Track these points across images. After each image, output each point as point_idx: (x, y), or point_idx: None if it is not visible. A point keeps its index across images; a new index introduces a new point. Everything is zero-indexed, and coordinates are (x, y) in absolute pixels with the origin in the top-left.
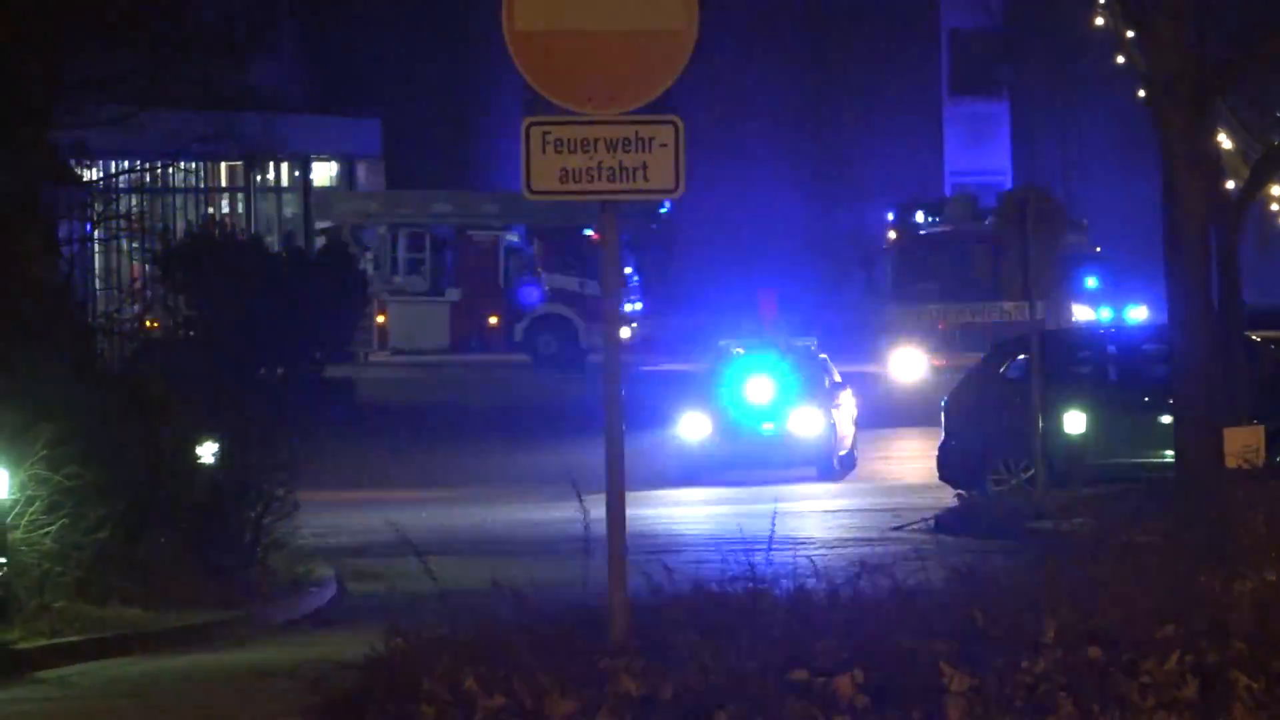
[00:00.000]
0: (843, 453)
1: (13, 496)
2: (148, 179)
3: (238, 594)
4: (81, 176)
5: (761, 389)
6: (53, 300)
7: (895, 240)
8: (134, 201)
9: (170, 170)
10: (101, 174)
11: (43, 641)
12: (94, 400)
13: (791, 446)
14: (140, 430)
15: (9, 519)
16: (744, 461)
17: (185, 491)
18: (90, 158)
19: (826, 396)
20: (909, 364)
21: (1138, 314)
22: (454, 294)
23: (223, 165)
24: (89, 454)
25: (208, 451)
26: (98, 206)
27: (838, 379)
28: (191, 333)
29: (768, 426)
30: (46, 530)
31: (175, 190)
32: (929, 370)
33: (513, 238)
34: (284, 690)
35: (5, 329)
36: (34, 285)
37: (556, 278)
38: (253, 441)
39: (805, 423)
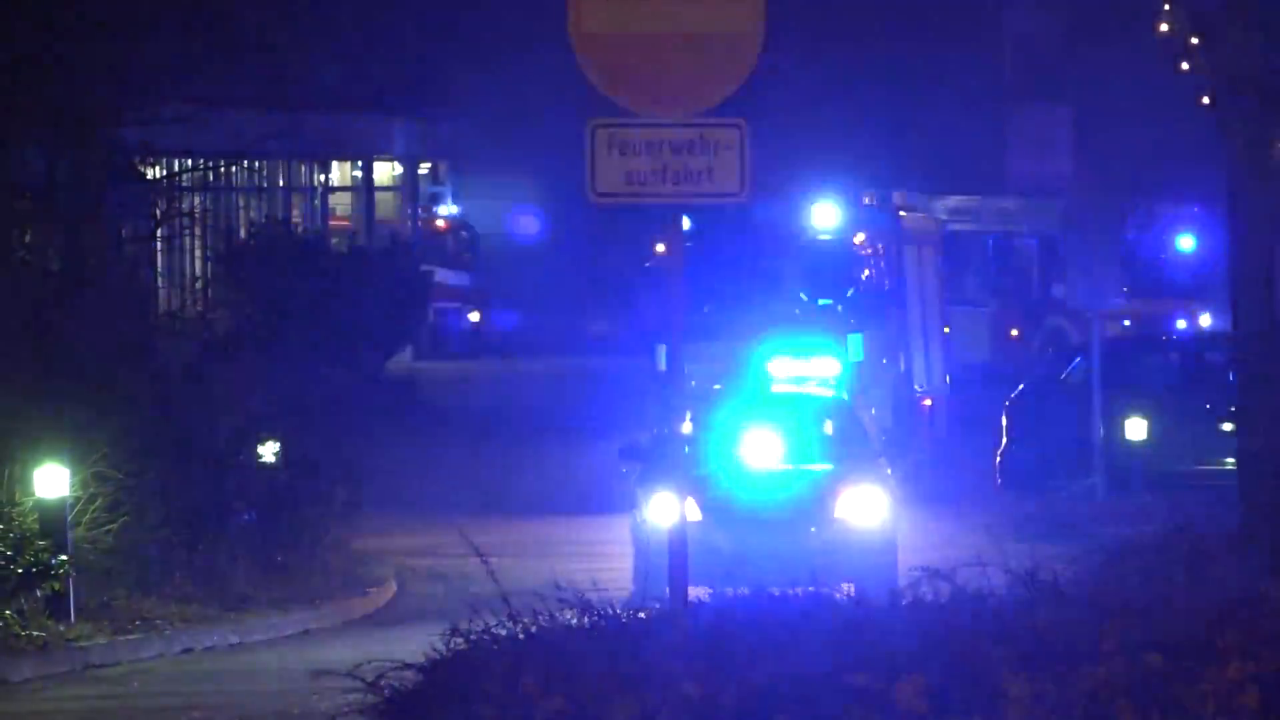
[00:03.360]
0: None
1: (74, 494)
2: (211, 177)
3: (297, 593)
4: (146, 175)
5: (785, 450)
6: (116, 298)
7: None
8: (197, 200)
9: (234, 169)
10: (165, 172)
11: (103, 639)
12: (156, 398)
13: (839, 549)
14: (202, 429)
15: (71, 516)
16: (755, 574)
17: (246, 490)
18: (155, 156)
19: (880, 463)
20: None
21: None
22: (992, 303)
23: (286, 164)
24: (150, 452)
25: (269, 451)
26: (161, 204)
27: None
28: (253, 330)
29: (797, 514)
30: (108, 528)
31: (238, 189)
32: None
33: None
34: (344, 689)
35: (70, 327)
36: (98, 283)
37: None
38: (314, 441)
39: (861, 507)
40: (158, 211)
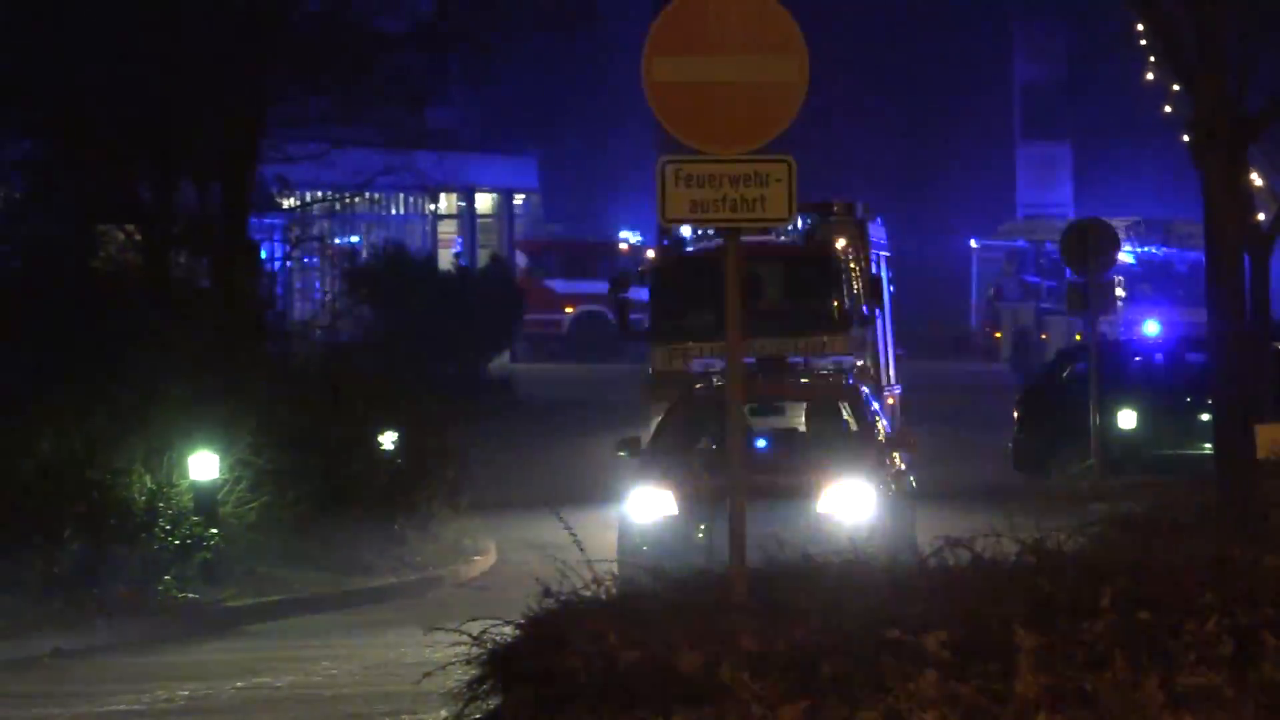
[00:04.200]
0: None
1: (223, 477)
2: (337, 207)
3: (413, 561)
4: (281, 205)
5: (770, 442)
6: (256, 311)
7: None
8: (325, 226)
9: (356, 200)
10: (298, 202)
11: (249, 600)
12: (292, 395)
13: (822, 543)
14: (331, 421)
15: (219, 496)
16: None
17: (369, 473)
18: (289, 189)
19: (879, 457)
20: None
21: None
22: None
23: (401, 195)
24: (287, 441)
25: (388, 439)
26: (295, 230)
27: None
28: (374, 337)
29: (781, 508)
30: (251, 505)
31: (361, 217)
32: None
33: None
34: (453, 643)
35: (216, 338)
36: (240, 299)
37: None
38: (427, 431)
39: (846, 502)
40: (292, 237)
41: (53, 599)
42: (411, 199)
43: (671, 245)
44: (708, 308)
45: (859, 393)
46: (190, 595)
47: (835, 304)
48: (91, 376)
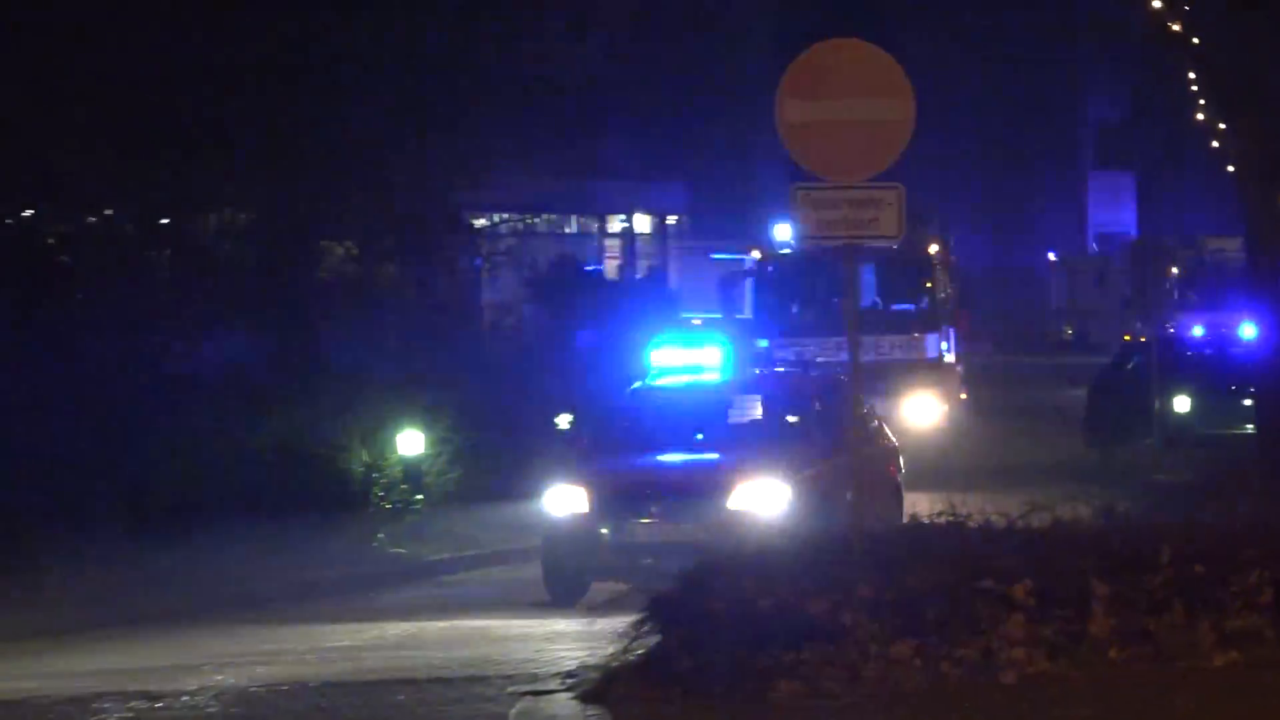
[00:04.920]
0: None
1: (427, 452)
2: (520, 227)
3: None
4: (473, 225)
5: (685, 435)
6: (453, 314)
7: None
8: (511, 243)
9: (537, 219)
10: (489, 221)
11: (447, 555)
12: (484, 383)
13: (737, 541)
14: (517, 405)
15: (424, 468)
16: (638, 569)
17: (547, 448)
18: (480, 212)
19: (808, 453)
20: None
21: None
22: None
23: (574, 216)
24: (481, 423)
25: (564, 420)
26: (486, 246)
27: (873, 422)
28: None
29: (681, 507)
30: (450, 476)
31: (539, 234)
32: None
33: None
34: (621, 586)
35: (421, 335)
36: (440, 304)
37: None
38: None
39: (757, 500)
40: (483, 251)
41: (284, 551)
42: (583, 219)
43: (773, 246)
44: (807, 304)
45: (828, 389)
46: (399, 550)
47: (927, 304)
48: (316, 368)
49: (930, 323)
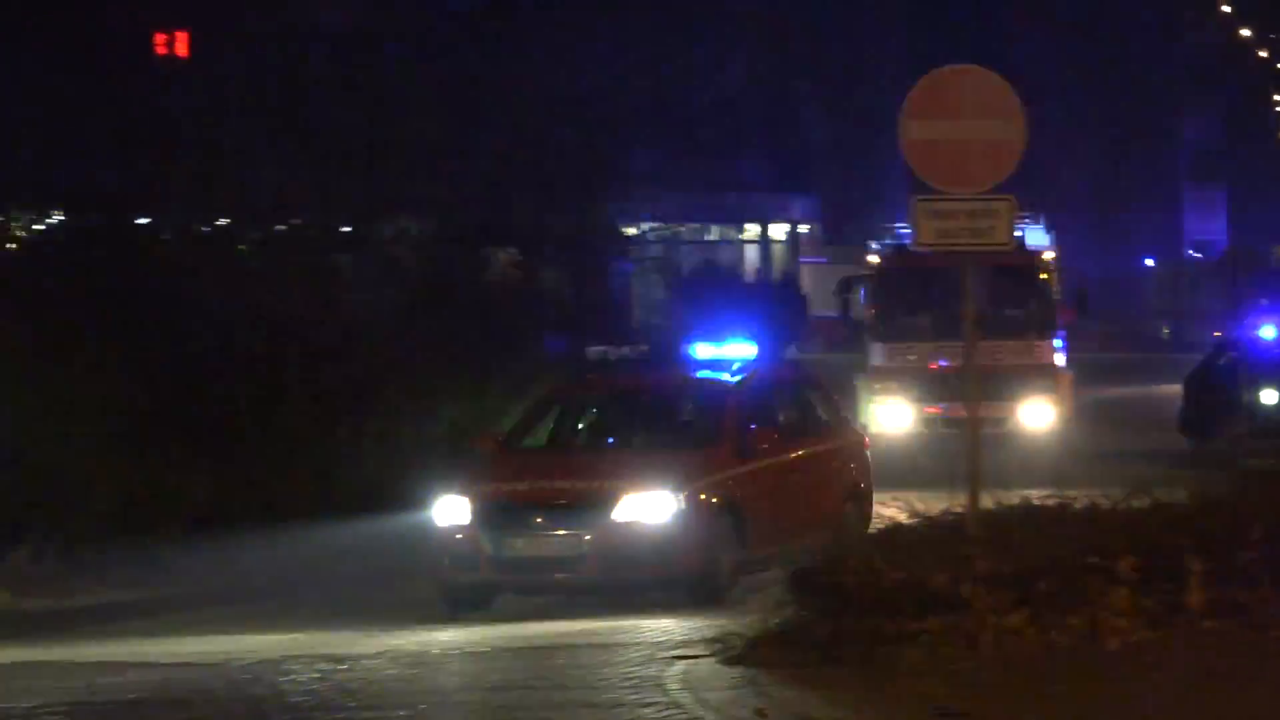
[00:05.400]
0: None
1: None
2: (668, 235)
3: None
4: (624, 233)
5: (593, 443)
6: (606, 313)
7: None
8: (660, 249)
9: (682, 229)
10: (637, 231)
11: None
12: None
13: (614, 552)
14: None
15: None
16: (523, 583)
17: None
18: (630, 222)
19: (712, 461)
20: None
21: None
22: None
23: (715, 226)
24: None
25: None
26: (635, 252)
27: (825, 422)
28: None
29: (564, 520)
30: None
31: (683, 242)
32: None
33: None
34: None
35: (577, 332)
36: (594, 304)
37: None
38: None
39: (642, 511)
40: (632, 257)
41: None
42: (723, 228)
43: (892, 251)
44: (924, 309)
45: (753, 394)
46: None
47: (1041, 309)
48: (484, 361)
49: (1044, 327)
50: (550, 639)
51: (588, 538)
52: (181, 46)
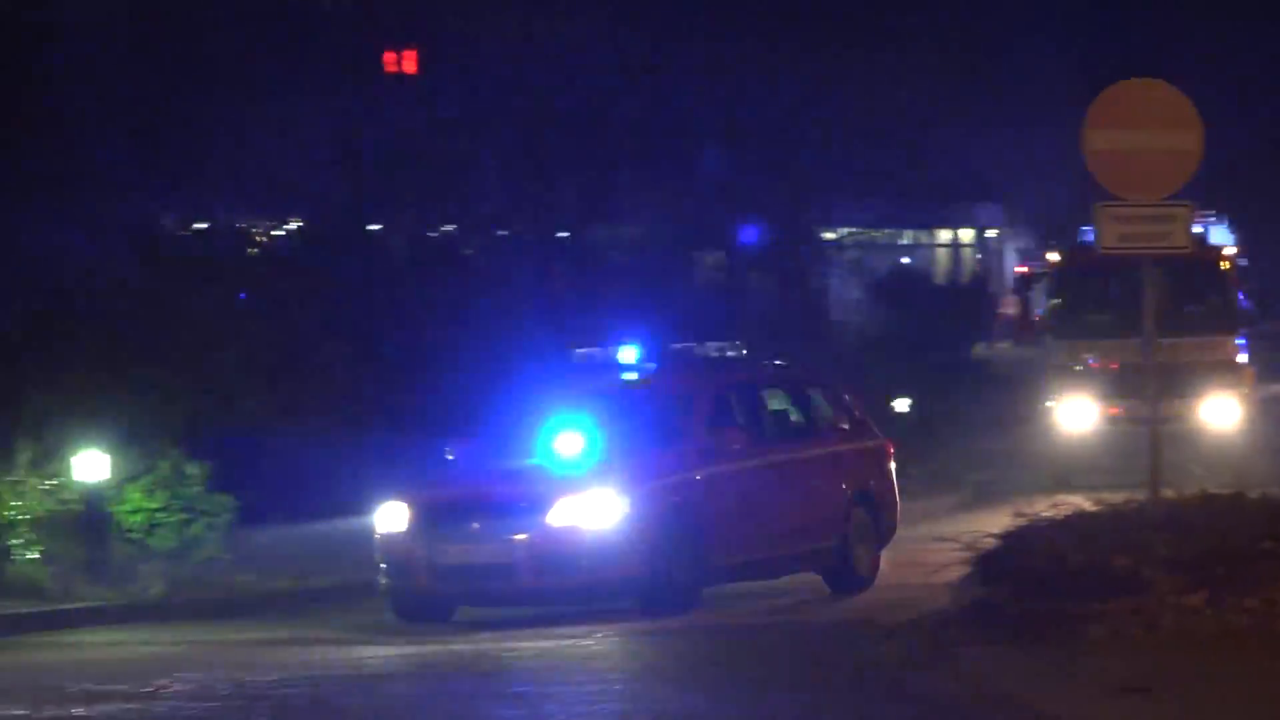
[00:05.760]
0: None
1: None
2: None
3: (924, 490)
4: (823, 238)
5: (523, 448)
6: (808, 313)
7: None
8: (857, 253)
9: (877, 235)
10: (837, 237)
11: None
12: (822, 365)
13: (550, 557)
14: (857, 388)
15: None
16: (462, 592)
17: (890, 428)
18: (830, 228)
19: (667, 462)
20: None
21: None
22: None
23: (909, 231)
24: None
25: (903, 403)
26: (834, 256)
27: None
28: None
29: (499, 525)
30: None
31: (879, 246)
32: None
33: None
34: (950, 548)
35: (785, 332)
36: (796, 303)
37: None
38: (930, 397)
39: (582, 514)
40: (834, 258)
41: None
42: (915, 233)
43: (1073, 248)
44: (1105, 306)
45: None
46: None
47: (1225, 304)
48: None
49: (1226, 324)
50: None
51: (520, 543)
52: (410, 64)
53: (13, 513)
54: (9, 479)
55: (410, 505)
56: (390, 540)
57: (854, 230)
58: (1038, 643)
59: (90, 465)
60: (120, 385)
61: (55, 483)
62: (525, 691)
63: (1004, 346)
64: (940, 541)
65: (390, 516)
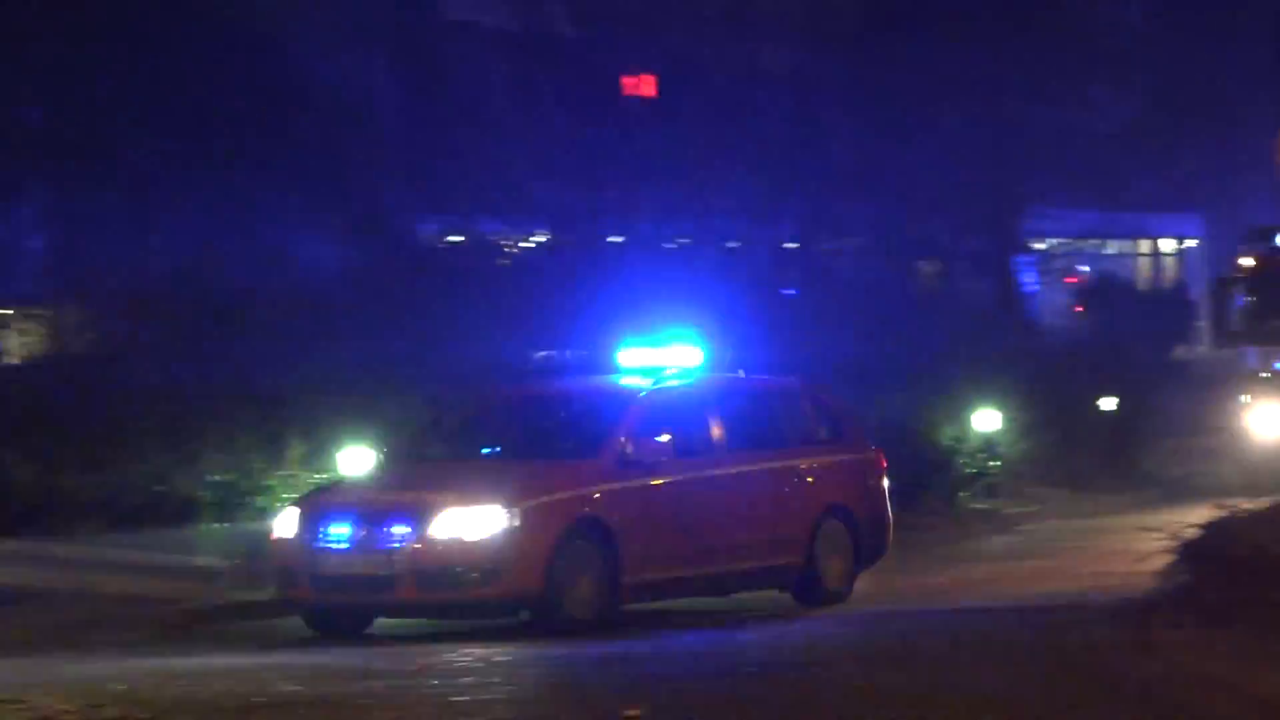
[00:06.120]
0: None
1: (1001, 428)
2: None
3: (1123, 483)
4: (1031, 248)
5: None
6: (1019, 317)
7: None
8: (1065, 262)
9: (1083, 244)
10: (1046, 246)
11: (1015, 509)
12: (1041, 371)
13: (431, 574)
14: (1066, 388)
15: (998, 439)
16: (344, 603)
17: (1096, 426)
18: (1039, 238)
19: (574, 476)
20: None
21: None
22: None
23: (1112, 241)
24: (1041, 402)
25: (1109, 403)
26: (1044, 264)
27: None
28: (1097, 335)
29: (379, 535)
30: (1019, 446)
31: (1085, 255)
32: None
33: None
34: (1154, 537)
35: (995, 334)
36: (1007, 309)
37: None
38: (1134, 396)
39: (463, 527)
40: (1043, 268)
41: None
42: (1119, 242)
43: (1266, 253)
44: None
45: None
46: (978, 505)
47: None
48: (904, 364)
49: None
50: (997, 599)
51: (399, 555)
52: (648, 88)
53: (284, 504)
54: (281, 473)
55: (300, 510)
56: (278, 545)
57: (1064, 240)
58: (1241, 627)
59: (355, 460)
60: (383, 389)
61: (324, 477)
62: None
63: (1203, 349)
64: (1145, 531)
65: (284, 522)
